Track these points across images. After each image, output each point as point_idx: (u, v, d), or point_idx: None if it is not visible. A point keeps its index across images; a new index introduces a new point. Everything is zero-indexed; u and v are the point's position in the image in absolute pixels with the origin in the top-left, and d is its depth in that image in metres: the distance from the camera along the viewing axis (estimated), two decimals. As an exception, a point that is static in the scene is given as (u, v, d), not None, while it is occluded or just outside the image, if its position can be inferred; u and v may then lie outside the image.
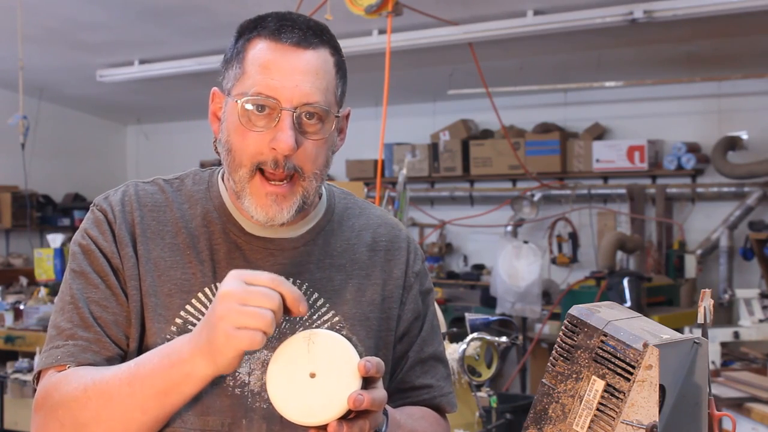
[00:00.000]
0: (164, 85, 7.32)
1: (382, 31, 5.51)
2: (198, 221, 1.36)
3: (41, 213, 8.39)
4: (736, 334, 4.48)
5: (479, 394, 2.79)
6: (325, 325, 1.33)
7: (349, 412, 1.12)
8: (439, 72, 6.51)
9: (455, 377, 2.83)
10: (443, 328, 3.04)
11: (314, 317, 1.33)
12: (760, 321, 4.61)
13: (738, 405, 3.54)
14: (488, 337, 2.74)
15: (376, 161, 7.16)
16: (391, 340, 1.40)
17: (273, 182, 1.27)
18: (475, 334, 2.74)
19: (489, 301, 6.26)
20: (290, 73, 1.25)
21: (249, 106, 1.25)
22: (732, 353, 4.57)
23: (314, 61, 1.27)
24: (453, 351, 2.81)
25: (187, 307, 1.30)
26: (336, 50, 1.32)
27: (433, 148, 7.33)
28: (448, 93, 6.71)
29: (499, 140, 6.93)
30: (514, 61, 6.14)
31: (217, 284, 1.30)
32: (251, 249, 1.34)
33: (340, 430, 1.11)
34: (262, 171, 1.27)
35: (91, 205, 1.39)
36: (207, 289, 1.31)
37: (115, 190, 1.40)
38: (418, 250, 1.48)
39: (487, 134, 7.33)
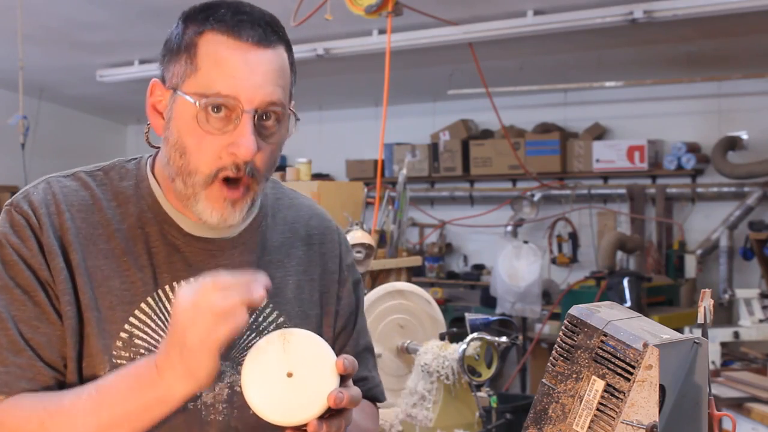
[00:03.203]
0: (164, 85, 7.32)
1: (382, 31, 5.51)
2: (131, 222, 1.26)
3: (41, 213, 8.39)
4: (736, 334, 4.49)
5: (479, 394, 2.79)
6: (272, 326, 1.32)
7: (327, 410, 1.11)
8: (439, 72, 6.50)
9: (455, 377, 2.83)
10: (443, 328, 3.05)
11: (260, 319, 1.31)
12: (760, 321, 4.61)
13: (738, 405, 3.54)
14: (488, 337, 2.74)
15: (376, 161, 7.16)
16: (331, 336, 1.40)
17: (231, 187, 1.21)
18: (475, 334, 2.74)
19: (489, 301, 6.26)
20: (251, 73, 1.18)
21: (207, 107, 1.18)
22: (732, 353, 4.57)
23: (275, 60, 1.21)
24: (453, 351, 2.81)
25: (131, 319, 1.23)
26: (289, 46, 1.26)
27: (433, 148, 7.33)
28: (448, 93, 6.70)
29: (499, 140, 6.93)
30: (514, 61, 6.14)
31: (159, 291, 1.25)
32: (191, 251, 1.27)
33: (320, 429, 1.09)
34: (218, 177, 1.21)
35: (7, 204, 1.24)
36: (150, 299, 1.25)
37: (34, 186, 1.25)
38: (347, 241, 1.47)
39: (487, 134, 7.33)
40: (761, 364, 4.24)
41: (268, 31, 1.21)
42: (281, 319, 1.32)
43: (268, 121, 1.21)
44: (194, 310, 1.06)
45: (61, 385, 1.21)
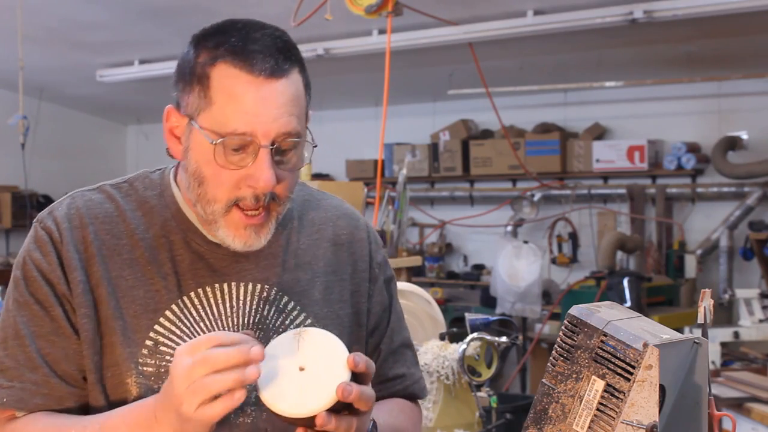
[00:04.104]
0: (164, 85, 7.27)
1: (382, 31, 5.51)
2: (156, 230, 1.28)
3: (41, 213, 8.40)
4: (736, 334, 4.49)
5: (479, 394, 2.79)
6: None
7: (339, 407, 1.11)
8: (439, 72, 6.50)
9: (455, 377, 2.83)
10: (443, 328, 3.05)
11: (286, 322, 1.31)
12: (760, 321, 4.61)
13: (738, 405, 3.54)
14: (488, 337, 2.74)
15: (376, 161, 7.16)
16: (363, 335, 1.40)
17: (250, 214, 1.22)
18: (475, 334, 2.74)
19: (489, 301, 6.26)
20: (266, 107, 1.18)
21: (224, 145, 1.18)
22: (732, 353, 4.57)
23: (289, 89, 1.20)
24: (453, 351, 2.81)
25: (156, 327, 1.25)
26: (302, 65, 1.25)
27: (433, 148, 7.33)
28: (448, 93, 6.70)
29: (499, 140, 6.93)
30: (514, 61, 6.14)
31: (184, 299, 1.27)
32: (215, 257, 1.28)
33: (328, 421, 1.09)
34: (237, 204, 1.22)
35: (34, 220, 1.27)
36: (174, 306, 1.26)
37: (59, 202, 1.29)
38: (378, 238, 1.47)
39: (487, 134, 7.33)
40: (761, 364, 4.24)
41: (280, 59, 1.20)
42: (308, 321, 1.32)
43: (285, 151, 1.22)
44: (189, 379, 1.06)
45: (80, 398, 1.24)
